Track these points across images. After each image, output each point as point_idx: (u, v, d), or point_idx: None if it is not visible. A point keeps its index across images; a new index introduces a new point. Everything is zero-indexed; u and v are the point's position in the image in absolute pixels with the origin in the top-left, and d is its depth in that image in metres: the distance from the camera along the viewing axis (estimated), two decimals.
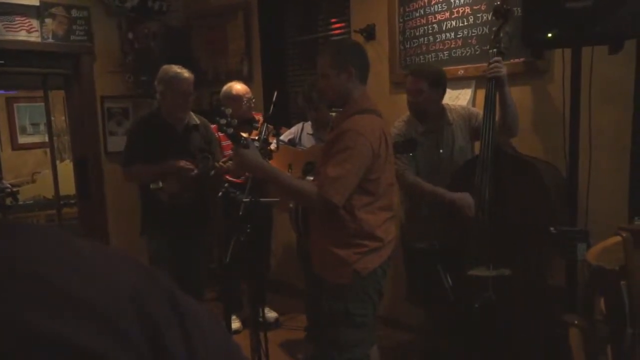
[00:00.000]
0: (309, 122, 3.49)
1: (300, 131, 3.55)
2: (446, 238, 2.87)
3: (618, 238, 1.79)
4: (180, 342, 0.52)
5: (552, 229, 2.38)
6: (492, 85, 2.70)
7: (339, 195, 2.14)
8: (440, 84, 2.91)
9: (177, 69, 3.19)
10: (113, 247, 0.59)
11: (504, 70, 2.69)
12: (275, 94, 2.98)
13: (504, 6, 2.77)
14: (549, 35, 2.31)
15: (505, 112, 2.73)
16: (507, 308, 2.66)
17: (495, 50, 2.74)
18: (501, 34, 2.77)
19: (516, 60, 3.02)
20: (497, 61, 2.69)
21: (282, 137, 3.59)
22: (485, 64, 2.81)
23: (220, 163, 3.28)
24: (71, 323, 0.40)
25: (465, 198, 2.71)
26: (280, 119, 3.80)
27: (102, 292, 0.46)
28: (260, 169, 2.28)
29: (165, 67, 3.22)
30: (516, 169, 2.66)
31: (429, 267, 2.86)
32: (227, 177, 3.55)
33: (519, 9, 2.75)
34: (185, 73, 3.18)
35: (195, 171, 3.15)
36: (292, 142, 3.53)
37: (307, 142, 3.45)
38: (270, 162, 3.41)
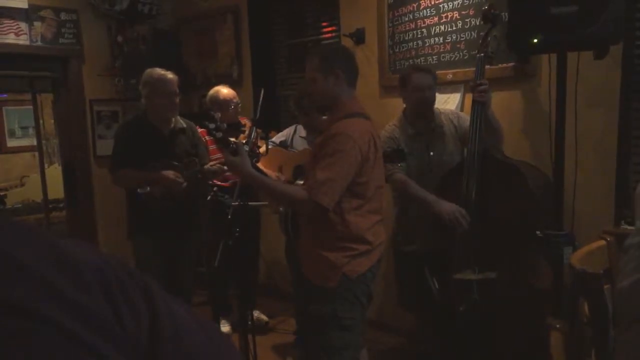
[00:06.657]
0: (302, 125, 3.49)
1: (292, 133, 3.53)
2: (433, 241, 2.88)
3: (602, 242, 1.82)
4: (146, 330, 0.54)
5: (538, 232, 2.40)
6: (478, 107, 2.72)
7: (328, 198, 2.14)
8: (436, 82, 3.00)
9: (160, 70, 3.19)
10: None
11: (489, 95, 2.72)
12: (262, 92, 2.97)
13: (492, 11, 2.80)
14: (535, 40, 2.33)
15: (489, 133, 2.75)
16: (493, 311, 2.67)
17: (482, 54, 2.76)
18: (489, 39, 2.79)
19: (504, 64, 3.05)
20: (484, 84, 2.70)
21: (274, 139, 3.58)
22: (473, 69, 2.82)
23: (208, 166, 3.27)
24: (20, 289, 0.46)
25: (453, 212, 2.67)
26: (269, 123, 3.80)
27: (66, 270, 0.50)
28: (248, 175, 2.29)
29: (149, 70, 3.23)
30: (502, 173, 2.67)
31: (417, 270, 2.87)
32: (215, 180, 3.54)
33: (506, 14, 2.77)
34: (169, 74, 3.19)
35: (185, 184, 3.14)
36: (283, 144, 3.52)
37: (299, 144, 3.43)
38: (259, 163, 3.42)
